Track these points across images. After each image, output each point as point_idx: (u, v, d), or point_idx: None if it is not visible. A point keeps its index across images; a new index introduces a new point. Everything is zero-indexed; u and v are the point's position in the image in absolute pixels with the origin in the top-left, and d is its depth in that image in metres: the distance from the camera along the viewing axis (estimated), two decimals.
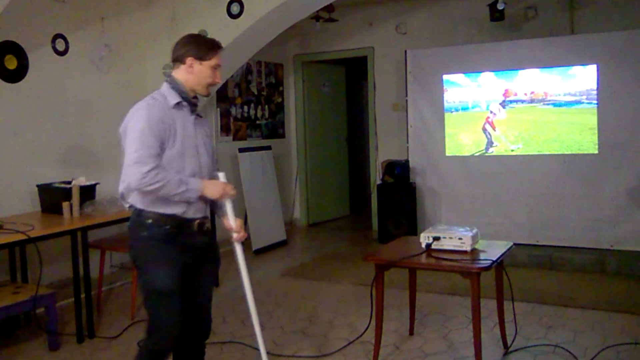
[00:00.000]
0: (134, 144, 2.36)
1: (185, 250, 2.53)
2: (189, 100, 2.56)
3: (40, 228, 3.73)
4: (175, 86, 2.54)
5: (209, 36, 5.15)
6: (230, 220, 2.60)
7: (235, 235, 2.61)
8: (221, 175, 2.57)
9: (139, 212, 2.50)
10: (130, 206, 2.55)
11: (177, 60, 2.56)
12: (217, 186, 2.53)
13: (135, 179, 2.34)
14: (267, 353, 3.63)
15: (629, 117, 5.53)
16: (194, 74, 2.54)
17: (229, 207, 2.59)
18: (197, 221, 2.56)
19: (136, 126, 2.39)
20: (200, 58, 2.53)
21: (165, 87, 2.56)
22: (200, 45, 2.55)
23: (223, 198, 2.57)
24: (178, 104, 2.51)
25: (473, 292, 3.08)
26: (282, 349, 3.71)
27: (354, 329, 3.97)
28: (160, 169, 2.36)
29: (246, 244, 6.57)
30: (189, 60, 2.52)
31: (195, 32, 5.21)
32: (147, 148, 2.35)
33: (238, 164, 6.49)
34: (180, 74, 2.55)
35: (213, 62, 2.54)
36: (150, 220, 2.47)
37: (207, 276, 2.73)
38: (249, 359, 3.60)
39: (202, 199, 2.53)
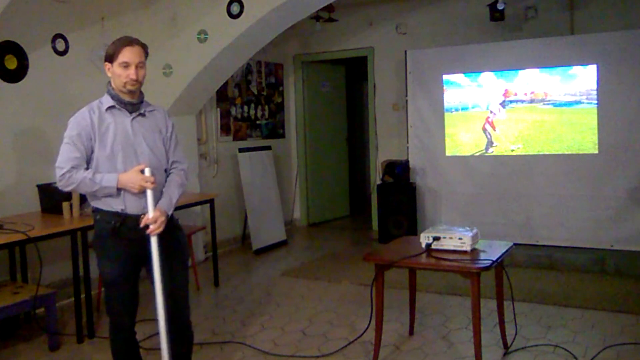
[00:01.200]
0: (61, 150, 2.62)
1: (132, 244, 2.65)
2: (123, 102, 2.65)
3: (40, 228, 3.74)
4: (109, 91, 2.68)
5: (208, 36, 5.20)
6: (149, 211, 2.60)
7: (151, 227, 2.58)
8: (146, 170, 2.61)
9: (93, 210, 2.73)
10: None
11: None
12: (133, 178, 2.59)
13: (57, 181, 2.62)
14: (267, 353, 3.65)
15: (629, 117, 5.53)
16: (112, 76, 2.65)
17: (149, 198, 2.60)
18: (142, 216, 2.62)
19: (65, 133, 2.63)
20: (110, 60, 2.63)
21: (105, 93, 2.70)
22: (109, 48, 2.64)
23: (142, 189, 2.59)
24: (110, 107, 2.65)
25: (473, 292, 3.08)
26: (282, 349, 3.70)
27: (354, 329, 3.97)
28: (75, 172, 2.57)
29: (246, 244, 6.65)
30: (106, 65, 2.66)
31: (195, 32, 5.24)
32: (66, 153, 2.59)
33: (238, 164, 6.49)
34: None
35: (120, 59, 2.59)
36: (98, 216, 2.69)
37: (167, 269, 2.68)
38: (249, 359, 3.60)
39: (124, 191, 2.61)
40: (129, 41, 2.63)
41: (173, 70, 5.40)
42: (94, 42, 5.01)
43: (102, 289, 4.58)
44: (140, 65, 2.63)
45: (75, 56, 4.87)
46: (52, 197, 4.24)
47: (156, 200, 2.65)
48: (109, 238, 2.65)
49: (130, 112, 2.69)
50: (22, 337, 4.00)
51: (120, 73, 2.60)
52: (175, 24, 5.37)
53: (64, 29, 4.78)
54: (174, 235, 2.77)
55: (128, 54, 2.60)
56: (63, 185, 2.62)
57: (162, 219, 2.62)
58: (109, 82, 2.70)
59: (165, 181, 2.78)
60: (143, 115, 2.73)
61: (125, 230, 2.64)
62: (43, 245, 3.81)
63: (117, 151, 2.63)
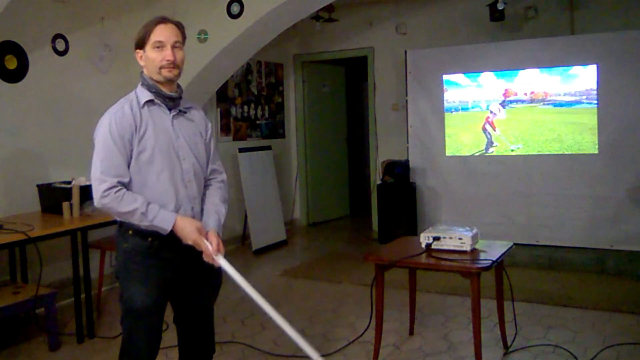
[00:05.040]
0: (98, 155, 2.18)
1: (169, 266, 2.27)
2: (163, 95, 2.27)
3: (40, 228, 3.73)
4: (145, 82, 2.28)
5: (208, 36, 5.20)
6: (223, 264, 2.24)
7: (219, 254, 2.23)
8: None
9: (120, 222, 2.28)
10: None
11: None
12: (191, 233, 2.18)
13: (95, 196, 2.16)
14: (267, 353, 3.65)
15: (629, 117, 5.53)
16: (146, 63, 2.27)
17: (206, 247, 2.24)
18: None
19: (101, 134, 2.19)
20: (141, 45, 2.26)
21: (139, 85, 2.32)
22: (139, 32, 2.27)
23: (193, 244, 2.21)
24: (148, 102, 2.26)
25: (473, 292, 3.08)
26: (282, 349, 3.70)
27: (354, 329, 3.97)
28: (124, 191, 2.14)
29: (246, 244, 6.65)
30: (137, 53, 2.29)
31: (195, 32, 5.23)
32: (108, 159, 2.15)
33: (238, 164, 6.49)
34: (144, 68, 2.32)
35: (152, 39, 2.22)
36: (130, 232, 2.24)
37: (200, 294, 2.41)
38: (249, 359, 3.60)
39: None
40: (161, 18, 2.26)
41: None
42: (94, 42, 5.01)
43: (102, 289, 4.62)
44: (177, 46, 2.24)
45: (75, 56, 4.87)
46: (52, 197, 4.24)
47: (196, 215, 2.31)
48: (145, 257, 2.24)
49: (170, 109, 2.29)
50: (22, 337, 4.00)
51: (154, 57, 2.22)
52: None
53: (64, 29, 4.78)
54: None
55: (161, 32, 2.22)
56: (106, 204, 2.14)
57: (220, 241, 2.27)
58: (142, 73, 2.31)
59: (204, 193, 2.39)
60: (183, 112, 2.34)
61: (164, 250, 2.24)
62: (43, 245, 3.81)
63: (155, 155, 2.21)
